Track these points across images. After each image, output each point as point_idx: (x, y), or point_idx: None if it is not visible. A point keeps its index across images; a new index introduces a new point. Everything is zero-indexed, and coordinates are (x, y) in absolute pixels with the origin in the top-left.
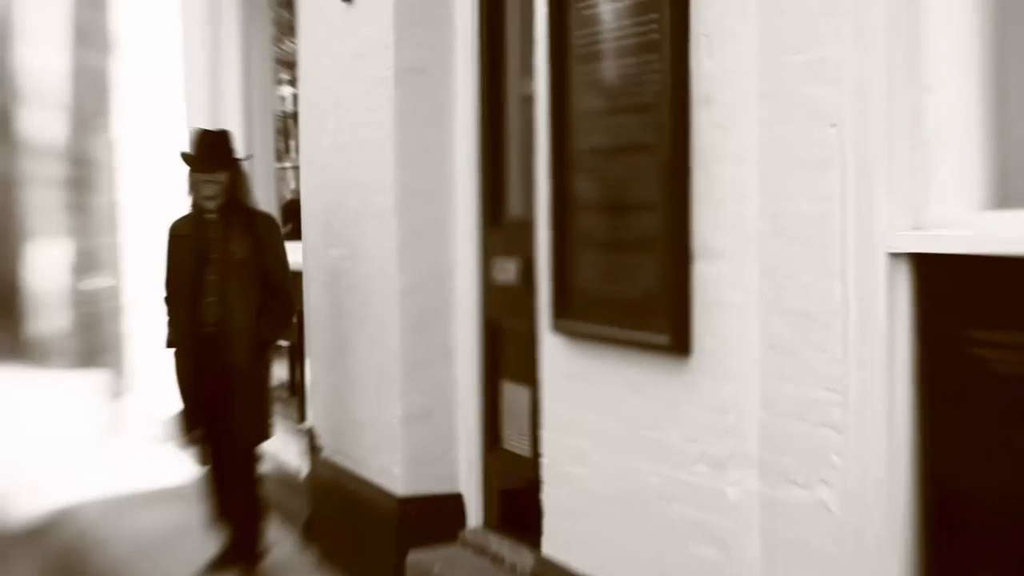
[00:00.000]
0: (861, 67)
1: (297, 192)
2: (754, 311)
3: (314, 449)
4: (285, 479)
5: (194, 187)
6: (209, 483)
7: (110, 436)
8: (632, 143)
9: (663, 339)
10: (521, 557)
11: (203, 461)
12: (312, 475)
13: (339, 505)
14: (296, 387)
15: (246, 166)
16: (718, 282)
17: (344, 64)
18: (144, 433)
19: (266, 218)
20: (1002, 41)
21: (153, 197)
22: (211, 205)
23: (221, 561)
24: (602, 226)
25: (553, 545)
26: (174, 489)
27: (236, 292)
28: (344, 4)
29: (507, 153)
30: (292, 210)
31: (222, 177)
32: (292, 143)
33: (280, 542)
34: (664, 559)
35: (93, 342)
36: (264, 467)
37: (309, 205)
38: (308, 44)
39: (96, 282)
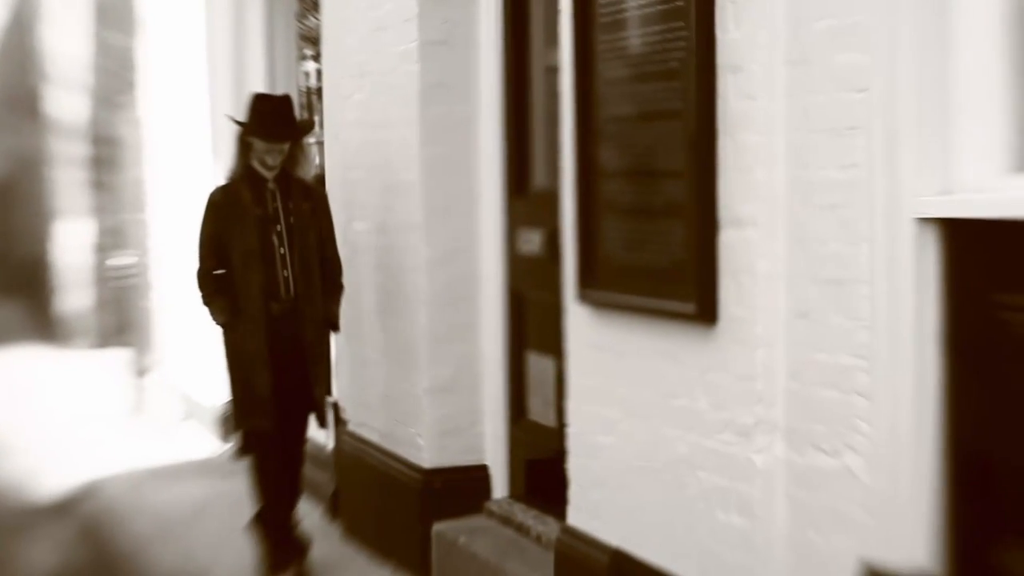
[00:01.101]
0: (888, 33)
1: (322, 167)
2: (781, 278)
3: (339, 422)
4: (310, 453)
5: (253, 155)
6: (264, 473)
7: (135, 413)
8: (658, 111)
9: (690, 307)
10: (546, 527)
11: (254, 449)
12: (337, 448)
13: (365, 478)
14: None
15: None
16: (745, 250)
17: (368, 38)
18: (169, 410)
19: (319, 189)
20: None
21: (178, 175)
22: (270, 175)
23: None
24: (627, 195)
25: (579, 515)
26: (199, 464)
27: (304, 264)
28: None
29: (531, 124)
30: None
31: (286, 146)
32: (316, 118)
33: (306, 515)
34: (691, 527)
35: (118, 320)
36: None
37: (334, 180)
38: (332, 19)
39: (121, 260)
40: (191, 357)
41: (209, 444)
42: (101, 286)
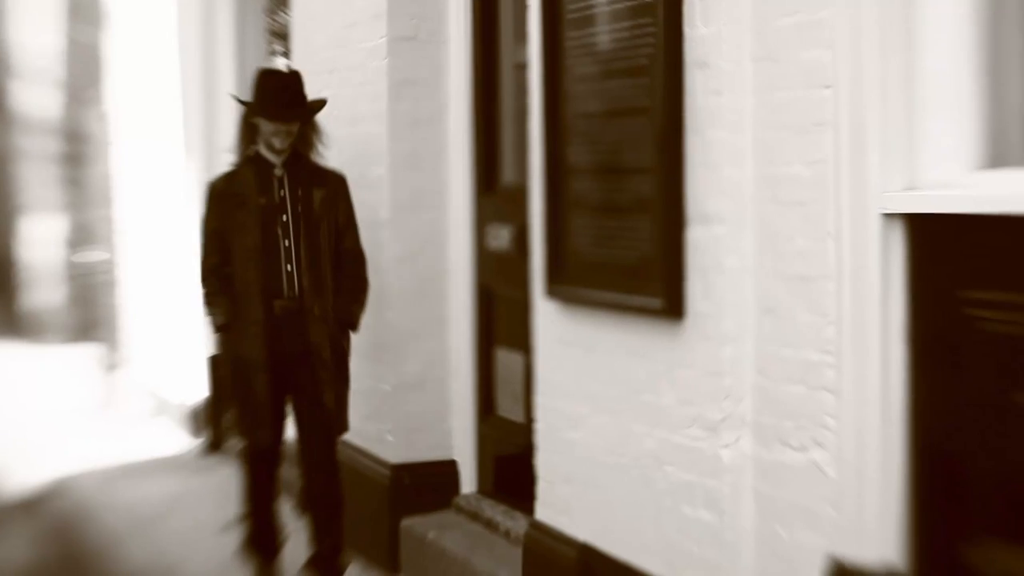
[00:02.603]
0: (854, 29)
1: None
2: (748, 274)
3: None
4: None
5: (260, 138)
6: (254, 490)
7: (105, 409)
8: (626, 108)
9: (657, 303)
10: (515, 523)
11: (247, 460)
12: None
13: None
14: None
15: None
16: (712, 246)
17: (337, 34)
18: (139, 406)
19: (336, 174)
20: (996, 1)
21: (147, 171)
22: (278, 160)
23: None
24: (595, 191)
25: (547, 510)
26: (168, 460)
27: (314, 260)
28: None
29: (500, 120)
30: None
31: (296, 127)
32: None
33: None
34: (659, 522)
35: (87, 316)
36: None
37: None
38: (301, 15)
39: (90, 256)
40: (161, 353)
41: (179, 440)
42: (70, 282)
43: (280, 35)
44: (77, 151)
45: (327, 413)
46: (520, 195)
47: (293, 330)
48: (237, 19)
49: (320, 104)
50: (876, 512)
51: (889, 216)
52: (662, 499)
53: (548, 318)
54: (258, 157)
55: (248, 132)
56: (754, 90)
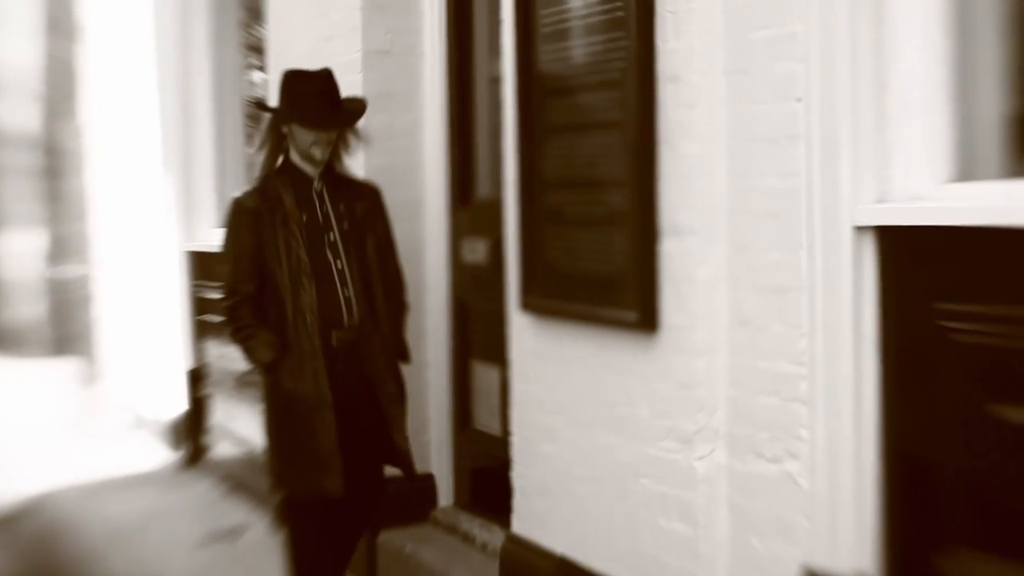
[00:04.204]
0: (826, 42)
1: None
2: (722, 287)
3: None
4: (256, 462)
5: (294, 148)
6: (310, 557)
7: (83, 423)
8: (599, 121)
9: (631, 315)
10: (492, 536)
11: (294, 518)
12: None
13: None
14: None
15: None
16: (686, 258)
17: (313, 48)
18: (117, 420)
19: (371, 186)
20: (966, 14)
21: (125, 185)
22: (316, 172)
23: None
24: (569, 204)
25: (523, 523)
26: (146, 475)
27: (365, 281)
28: None
29: (475, 134)
30: None
31: (335, 135)
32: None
33: (253, 524)
34: (634, 534)
35: (66, 330)
36: (233, 450)
37: None
38: (277, 29)
39: (68, 270)
40: (138, 367)
41: (157, 454)
42: (48, 296)
43: (256, 49)
44: (55, 165)
45: (397, 455)
46: (495, 208)
47: (351, 364)
48: (213, 33)
49: (362, 106)
50: (850, 522)
51: (861, 228)
52: (637, 511)
53: (523, 331)
54: (290, 169)
55: (278, 142)
56: (726, 103)
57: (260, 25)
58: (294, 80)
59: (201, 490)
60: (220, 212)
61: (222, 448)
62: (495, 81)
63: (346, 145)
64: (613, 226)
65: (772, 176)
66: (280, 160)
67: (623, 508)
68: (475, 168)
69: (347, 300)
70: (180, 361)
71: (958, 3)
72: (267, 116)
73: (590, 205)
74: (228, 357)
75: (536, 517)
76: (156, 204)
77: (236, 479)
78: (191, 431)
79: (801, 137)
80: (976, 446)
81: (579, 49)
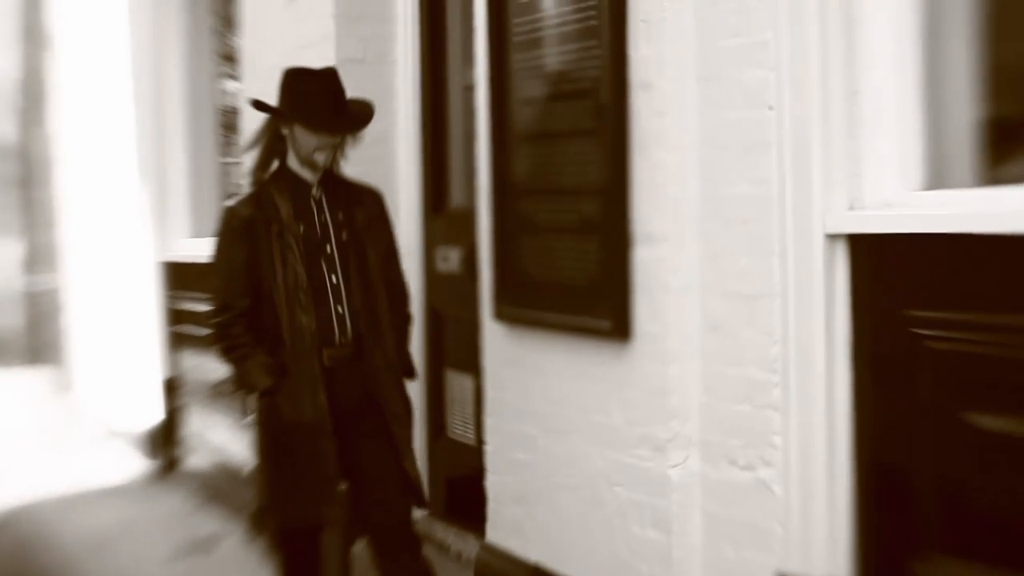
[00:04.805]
0: (797, 50)
1: (240, 187)
2: (694, 294)
3: None
4: (231, 472)
5: (293, 152)
6: None
7: (56, 433)
8: (571, 129)
9: (605, 324)
10: (466, 545)
11: (285, 549)
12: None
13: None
14: None
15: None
16: (658, 266)
17: (286, 57)
18: (90, 430)
19: (372, 191)
20: (937, 22)
21: (97, 194)
22: (315, 178)
23: None
24: (542, 212)
25: (497, 532)
26: (121, 485)
27: (368, 295)
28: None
29: (449, 142)
30: None
31: (339, 141)
32: (237, 138)
33: (228, 535)
34: (609, 542)
35: (39, 339)
36: (208, 461)
37: None
38: (251, 38)
39: (41, 280)
40: (112, 377)
41: (131, 464)
42: (21, 306)
43: (231, 58)
44: (28, 174)
45: (409, 481)
46: (469, 217)
47: (347, 384)
48: (186, 42)
49: (371, 109)
50: (823, 529)
51: (833, 235)
52: (611, 519)
53: (497, 339)
54: (286, 174)
55: (275, 145)
56: (698, 110)
57: (233, 33)
58: (298, 78)
59: (176, 501)
60: (194, 222)
61: (197, 459)
62: (468, 89)
63: (343, 148)
64: (586, 234)
65: (744, 183)
66: (276, 164)
67: (597, 516)
68: (448, 176)
69: (339, 317)
70: (154, 371)
71: (928, 10)
72: (256, 118)
73: (563, 213)
74: (203, 367)
75: (510, 526)
76: (129, 213)
77: (211, 490)
78: (166, 441)
79: (772, 145)
80: (948, 452)
81: (552, 57)
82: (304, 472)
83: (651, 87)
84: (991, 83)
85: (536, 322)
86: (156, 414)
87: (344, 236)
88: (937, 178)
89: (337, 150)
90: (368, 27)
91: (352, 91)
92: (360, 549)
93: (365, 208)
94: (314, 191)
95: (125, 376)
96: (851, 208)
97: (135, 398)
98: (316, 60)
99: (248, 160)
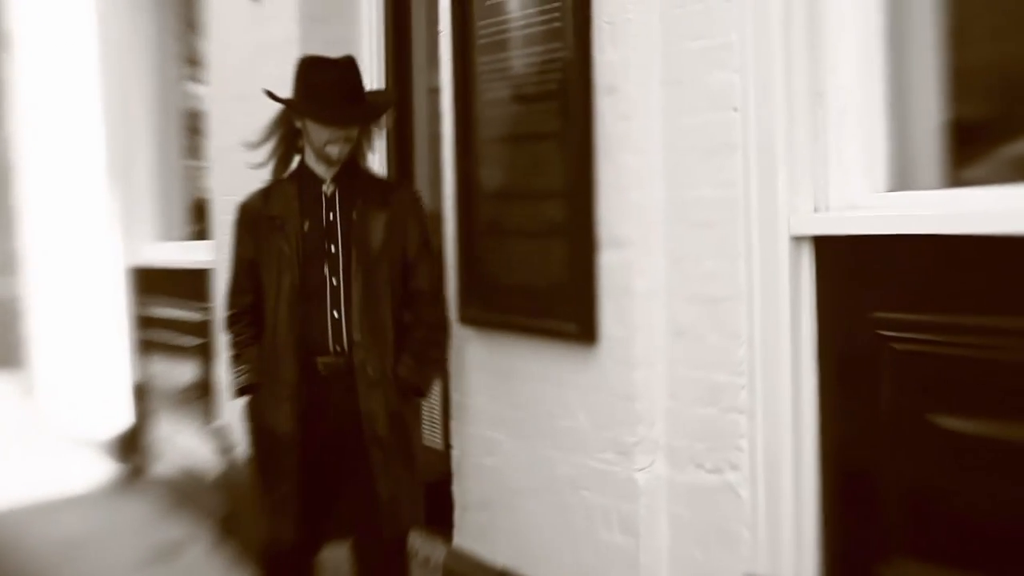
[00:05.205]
0: (761, 52)
1: (207, 190)
2: (660, 298)
3: (228, 448)
4: (196, 479)
5: (308, 145)
6: None
7: (23, 440)
8: (537, 132)
9: (570, 327)
10: (434, 550)
11: (266, 570)
12: (228, 473)
13: (255, 502)
14: (205, 386)
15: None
16: (624, 270)
17: (251, 60)
18: (57, 435)
19: (408, 191)
20: (901, 24)
21: (59, 198)
22: (330, 173)
23: None
24: (508, 216)
25: (465, 537)
26: (88, 493)
27: (369, 304)
28: (252, 1)
29: (414, 145)
30: (202, 209)
31: (355, 132)
32: (202, 140)
33: (195, 541)
34: (576, 546)
35: (5, 344)
36: (174, 466)
37: (219, 204)
38: (216, 40)
39: (3, 284)
40: (79, 381)
41: (98, 471)
42: None
43: (196, 61)
44: None
45: (383, 509)
46: (435, 220)
47: (343, 396)
48: (151, 44)
49: (388, 100)
50: (790, 532)
51: (798, 238)
52: (578, 523)
53: (463, 344)
54: (303, 169)
55: (290, 138)
56: (663, 113)
57: (198, 36)
58: (310, 68)
59: (142, 507)
60: (161, 226)
61: (163, 465)
62: (434, 92)
63: (370, 141)
64: (552, 238)
65: (709, 186)
66: (297, 159)
67: (564, 520)
68: (414, 179)
69: (335, 322)
70: (121, 377)
71: (893, 12)
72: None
73: (529, 217)
74: (171, 373)
75: (477, 531)
76: (94, 217)
77: (177, 496)
78: (132, 448)
79: (738, 147)
80: (915, 455)
81: (517, 60)
82: (270, 484)
83: (616, 90)
84: (956, 85)
85: (502, 326)
86: (122, 420)
87: (354, 236)
88: (902, 180)
89: (363, 143)
90: (333, 29)
91: None
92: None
93: (391, 208)
94: (326, 187)
95: (90, 382)
96: (816, 210)
97: (100, 404)
98: (281, 63)
99: (260, 155)
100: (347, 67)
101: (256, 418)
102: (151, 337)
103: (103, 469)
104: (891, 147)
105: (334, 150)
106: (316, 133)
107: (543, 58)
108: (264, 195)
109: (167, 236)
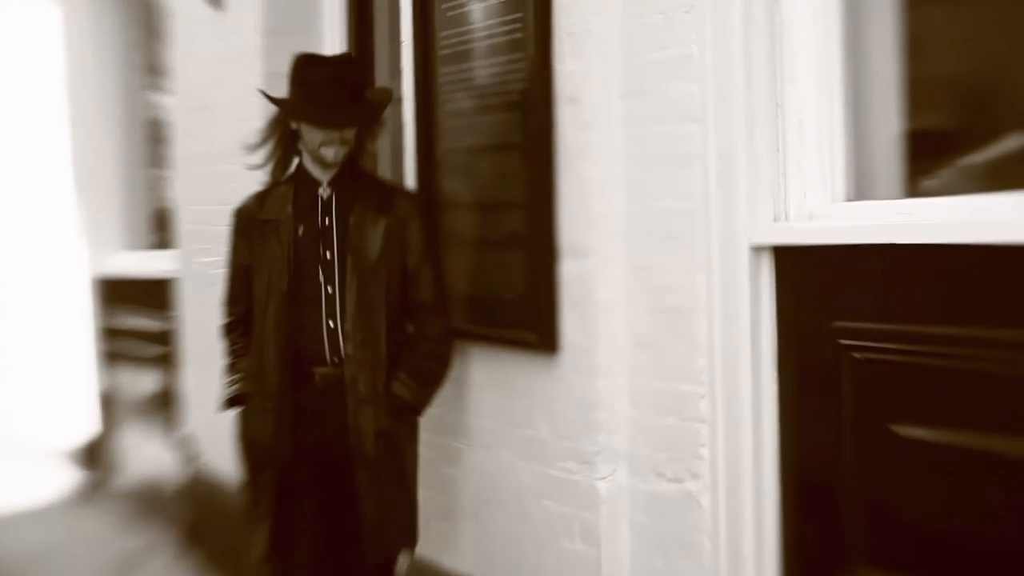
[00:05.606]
0: (721, 63)
1: (171, 200)
2: (621, 308)
3: (193, 457)
4: (161, 488)
5: (303, 147)
6: None
7: None
8: (498, 143)
9: (532, 337)
10: (398, 561)
11: None
12: (192, 482)
13: (221, 511)
14: (169, 395)
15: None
16: (585, 280)
17: (214, 71)
18: (18, 448)
19: (406, 194)
20: (860, 36)
21: (22, 208)
22: (327, 176)
23: None
24: (471, 226)
25: (427, 546)
26: (52, 504)
27: (364, 315)
28: (215, 12)
29: (377, 155)
30: (165, 218)
31: (352, 133)
32: (166, 150)
33: (160, 551)
34: (538, 556)
35: None
36: (138, 477)
37: (182, 213)
38: (180, 51)
39: None
40: (39, 394)
41: (58, 483)
42: None
43: (159, 71)
44: None
45: (367, 531)
46: None
47: (335, 410)
48: (115, 53)
49: (386, 98)
50: (751, 541)
51: (758, 248)
52: (540, 532)
53: None
54: (300, 172)
55: (285, 140)
56: (624, 124)
57: (162, 46)
58: (303, 66)
59: (105, 519)
60: (127, 235)
61: (129, 474)
62: (396, 103)
63: (373, 140)
64: (513, 248)
65: (669, 197)
66: (296, 161)
67: (526, 529)
68: None
69: (331, 332)
70: (84, 388)
71: (852, 23)
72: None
73: (490, 227)
74: (135, 383)
75: (440, 541)
76: (60, 228)
77: (143, 505)
78: (98, 457)
79: (698, 158)
80: (875, 464)
81: (478, 71)
82: (253, 501)
83: (577, 101)
84: (914, 95)
85: (464, 336)
86: (85, 431)
87: (351, 242)
88: (861, 190)
89: (363, 143)
90: (295, 40)
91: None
92: None
93: (391, 214)
94: (322, 190)
95: (55, 392)
96: (776, 220)
97: (65, 415)
98: (244, 73)
99: (256, 158)
100: (343, 64)
101: (241, 431)
102: (115, 347)
103: (68, 480)
104: (850, 157)
105: (329, 152)
106: (310, 135)
107: (504, 69)
108: (259, 199)
109: (132, 246)
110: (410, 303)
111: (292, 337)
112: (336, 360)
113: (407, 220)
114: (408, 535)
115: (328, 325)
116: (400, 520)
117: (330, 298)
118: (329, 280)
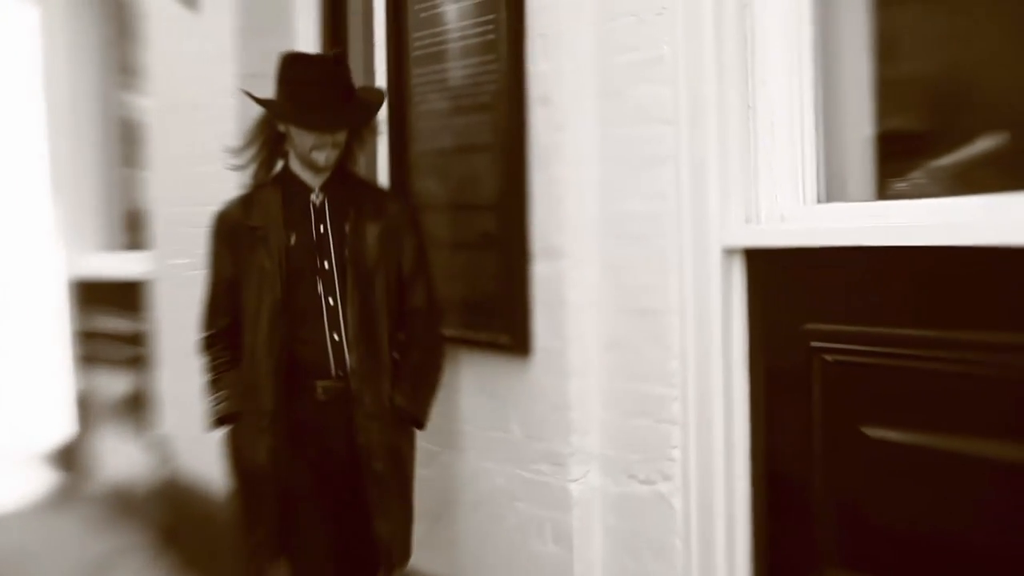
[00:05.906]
0: (694, 65)
1: (145, 200)
2: (593, 309)
3: (168, 458)
4: (136, 490)
5: (292, 151)
6: None
7: None
8: (471, 144)
9: (504, 339)
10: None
11: None
12: (167, 484)
13: (197, 512)
14: (144, 397)
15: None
16: (558, 281)
17: (189, 72)
18: None
19: (401, 202)
20: (831, 38)
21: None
22: (319, 181)
23: None
24: (444, 227)
25: None
26: (25, 508)
27: (367, 326)
28: (190, 13)
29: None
30: (138, 219)
31: (343, 136)
32: (140, 150)
33: (134, 553)
34: (511, 558)
35: None
36: (112, 480)
37: (156, 214)
38: (155, 51)
39: None
40: (16, 395)
41: (34, 485)
42: None
43: (134, 71)
44: None
45: (381, 548)
46: None
47: (338, 426)
48: (89, 53)
49: (379, 99)
50: (722, 542)
51: (730, 250)
52: (513, 534)
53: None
54: (287, 176)
55: (271, 143)
56: (596, 125)
57: (138, 47)
58: (291, 66)
59: (81, 519)
60: (103, 235)
61: (104, 476)
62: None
63: (362, 144)
64: (485, 249)
65: (642, 198)
66: (280, 165)
67: (499, 531)
68: None
69: (336, 345)
70: (62, 389)
71: (823, 25)
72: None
73: (464, 228)
74: (110, 386)
75: (414, 543)
76: (36, 228)
77: (118, 507)
78: (73, 459)
79: (670, 159)
80: (846, 466)
81: (451, 72)
82: (248, 527)
83: (550, 102)
84: (886, 97)
85: None
86: (61, 433)
87: (348, 250)
88: (833, 192)
89: (352, 145)
90: (269, 42)
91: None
92: None
93: (385, 219)
94: (314, 196)
95: (28, 395)
96: (747, 222)
97: (38, 417)
98: (218, 74)
99: (241, 161)
100: (333, 64)
101: (233, 452)
102: (90, 348)
103: (43, 482)
104: (822, 159)
105: (320, 156)
106: (300, 138)
107: (477, 70)
108: (244, 203)
109: (107, 247)
110: (405, 311)
111: (287, 350)
112: (340, 374)
113: (400, 226)
114: (409, 548)
115: (332, 338)
116: (404, 535)
117: (332, 310)
118: (330, 292)
